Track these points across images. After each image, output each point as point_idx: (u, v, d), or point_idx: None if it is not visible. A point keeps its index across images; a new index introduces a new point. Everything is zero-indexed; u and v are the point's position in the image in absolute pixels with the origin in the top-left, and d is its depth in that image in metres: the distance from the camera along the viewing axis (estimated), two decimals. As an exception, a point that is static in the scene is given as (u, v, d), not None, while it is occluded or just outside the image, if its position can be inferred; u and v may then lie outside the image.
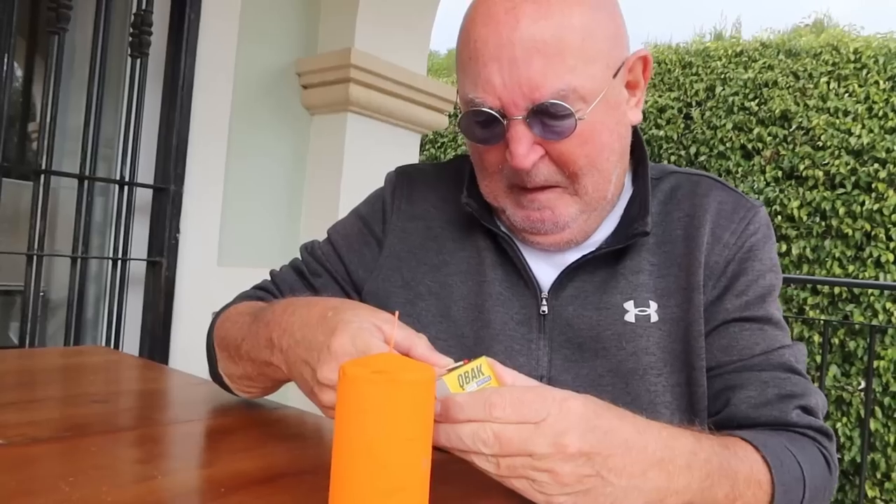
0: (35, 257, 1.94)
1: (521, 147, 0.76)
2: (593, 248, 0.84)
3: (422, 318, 0.89)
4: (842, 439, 4.01)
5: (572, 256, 0.85)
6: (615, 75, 0.78)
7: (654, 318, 0.82)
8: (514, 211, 0.83)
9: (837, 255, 4.26)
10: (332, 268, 0.97)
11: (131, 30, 2.12)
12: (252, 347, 0.76)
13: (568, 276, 0.84)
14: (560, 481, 0.55)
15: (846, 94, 4.54)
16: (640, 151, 0.90)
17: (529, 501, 0.58)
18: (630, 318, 0.82)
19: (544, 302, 0.84)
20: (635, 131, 0.89)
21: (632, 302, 0.82)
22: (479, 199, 0.89)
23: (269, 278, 1.02)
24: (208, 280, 2.26)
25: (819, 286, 4.25)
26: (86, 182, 2.06)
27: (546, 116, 0.75)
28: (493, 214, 0.90)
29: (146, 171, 2.21)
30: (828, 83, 4.61)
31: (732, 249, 0.83)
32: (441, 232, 0.93)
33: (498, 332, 0.84)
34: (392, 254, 0.94)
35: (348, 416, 0.45)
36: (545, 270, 0.86)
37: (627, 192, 0.90)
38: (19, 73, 2.66)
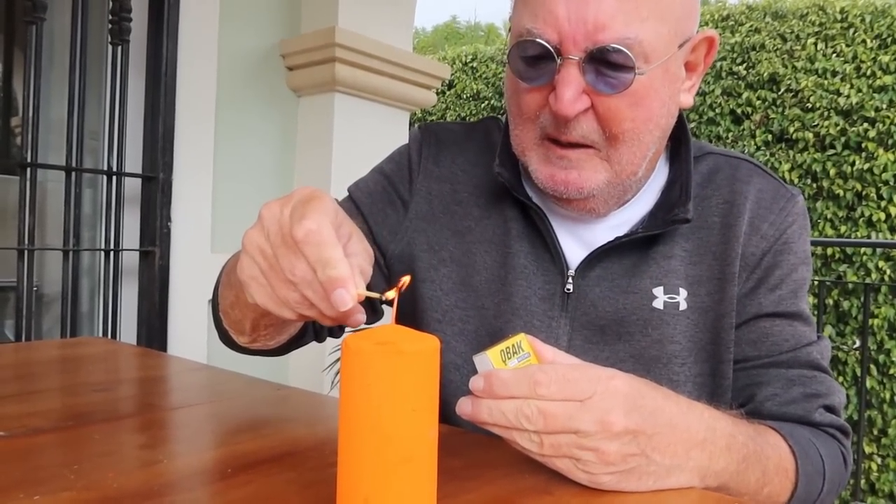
0: (26, 252, 1.93)
1: (569, 91, 0.70)
2: (627, 231, 0.82)
3: (443, 284, 0.86)
4: (839, 398, 4.04)
5: (605, 237, 0.82)
6: (680, 47, 0.74)
7: (683, 305, 0.80)
8: (540, 167, 0.78)
9: (829, 216, 4.27)
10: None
11: (110, 16, 2.09)
12: (232, 278, 0.76)
13: (598, 256, 0.81)
14: (605, 460, 0.55)
15: (834, 55, 4.51)
16: (682, 134, 0.85)
17: (535, 469, 0.58)
18: (658, 304, 0.80)
19: (570, 280, 0.81)
20: (679, 113, 0.84)
21: (661, 288, 0.80)
22: (512, 167, 0.85)
23: None
24: (202, 267, 2.25)
25: (812, 247, 4.26)
26: (73, 174, 2.04)
27: (603, 64, 0.70)
28: (525, 185, 0.86)
29: (134, 161, 2.19)
30: (815, 44, 4.58)
31: (769, 241, 0.81)
32: (467, 197, 0.89)
33: (518, 306, 0.82)
34: (417, 216, 0.90)
35: (353, 388, 0.44)
36: (574, 249, 0.83)
37: (662, 173, 0.86)
38: (-1, 66, 2.62)
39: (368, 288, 0.55)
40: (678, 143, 0.86)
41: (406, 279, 0.54)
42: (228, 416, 0.77)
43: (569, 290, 0.81)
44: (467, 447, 0.65)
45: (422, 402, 0.45)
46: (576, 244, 0.84)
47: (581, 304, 0.81)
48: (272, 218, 0.57)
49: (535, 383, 0.54)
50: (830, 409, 0.80)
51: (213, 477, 0.55)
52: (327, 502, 0.50)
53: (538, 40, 0.70)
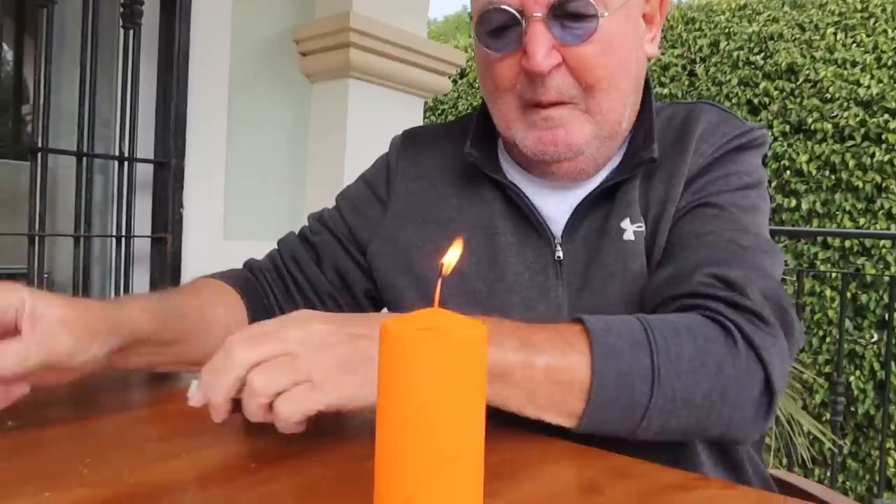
0: (37, 238, 1.90)
1: (540, 48, 0.72)
2: (600, 182, 0.82)
3: (429, 277, 0.86)
4: (855, 392, 4.00)
5: (580, 193, 0.83)
6: None
7: (646, 233, 0.80)
8: (526, 134, 0.79)
9: (848, 208, 4.20)
10: (334, 227, 0.97)
11: (122, 0, 2.05)
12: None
13: (578, 216, 0.82)
14: (312, 348, 0.54)
15: (854, 45, 4.43)
16: (646, 88, 0.87)
17: (581, 465, 0.54)
18: (629, 236, 0.79)
19: (559, 247, 0.82)
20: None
21: (627, 220, 0.80)
22: (484, 149, 0.87)
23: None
24: (215, 254, 2.21)
25: (830, 240, 4.20)
26: (84, 159, 2.00)
27: (567, 17, 0.73)
28: (503, 162, 0.88)
29: (145, 146, 2.15)
30: (835, 34, 4.50)
31: (707, 158, 0.80)
32: (446, 189, 0.91)
33: (513, 283, 0.82)
34: (396, 215, 0.92)
35: (394, 379, 0.40)
36: (555, 215, 0.84)
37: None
38: (9, 55, 2.60)
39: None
40: (643, 95, 0.87)
41: (456, 252, 0.48)
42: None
43: (559, 257, 0.82)
44: (503, 441, 0.61)
45: (470, 394, 0.40)
46: (557, 208, 0.84)
47: (574, 268, 0.81)
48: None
49: (227, 343, 0.54)
50: (723, 279, 0.68)
51: (235, 472, 0.52)
52: (363, 500, 0.46)
53: (502, 6, 0.73)
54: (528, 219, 0.84)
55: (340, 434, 0.62)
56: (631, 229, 0.79)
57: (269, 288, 0.95)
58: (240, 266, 1.00)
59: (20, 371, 0.56)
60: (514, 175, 0.87)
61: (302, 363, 0.53)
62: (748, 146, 0.82)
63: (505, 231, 0.84)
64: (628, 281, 0.78)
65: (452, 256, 0.46)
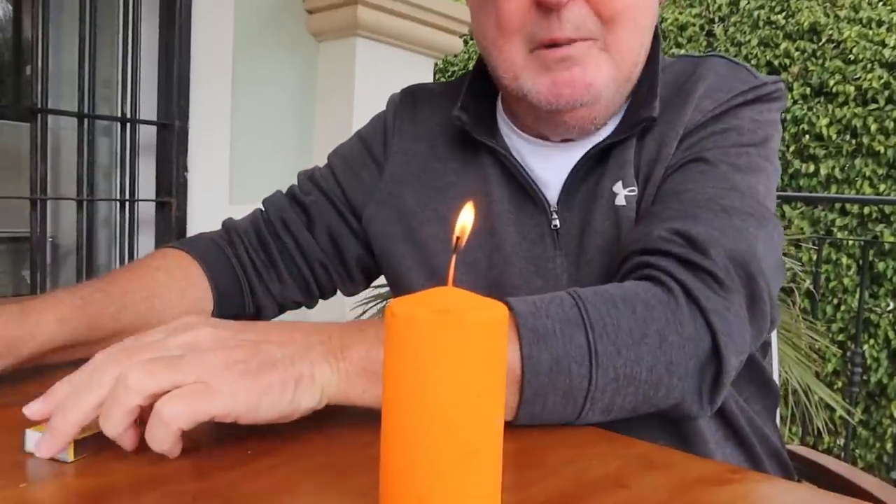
0: (39, 201, 1.86)
1: None
2: (598, 142, 0.77)
3: (429, 244, 0.82)
4: (868, 361, 3.95)
5: (577, 154, 0.77)
6: None
7: (638, 196, 0.75)
8: (538, 80, 0.72)
9: (868, 173, 4.10)
10: (326, 188, 0.90)
11: (121, -47, 1.97)
12: None
13: (575, 181, 0.77)
14: (211, 347, 0.47)
15: (880, 3, 4.29)
16: (654, 39, 0.80)
17: (603, 456, 0.50)
18: (620, 200, 0.74)
19: (555, 215, 0.77)
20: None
21: (620, 183, 0.75)
22: (475, 111, 0.81)
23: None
24: (220, 219, 2.16)
25: (848, 206, 4.11)
26: (86, 120, 1.96)
27: None
28: (499, 121, 0.84)
29: (148, 107, 2.10)
30: (860, -9, 4.34)
31: (707, 115, 0.74)
32: (446, 152, 0.86)
33: (510, 253, 0.77)
34: (393, 178, 0.87)
35: (404, 367, 0.35)
36: (553, 180, 0.78)
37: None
38: (9, 13, 2.53)
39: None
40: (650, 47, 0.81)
41: (467, 221, 0.42)
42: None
43: (556, 225, 0.77)
44: (520, 427, 0.57)
45: (489, 384, 0.36)
46: (552, 174, 0.79)
47: (572, 237, 0.77)
48: None
49: (97, 357, 0.47)
50: (682, 235, 0.62)
51: (231, 461, 0.47)
52: (369, 494, 0.42)
53: None
54: (522, 187, 0.79)
55: (341, 419, 0.58)
56: (623, 193, 0.74)
57: (246, 254, 0.88)
58: None
59: None
60: (512, 137, 0.82)
61: (189, 364, 0.44)
62: (756, 100, 0.75)
63: (501, 198, 0.79)
64: (621, 249, 0.72)
65: (464, 227, 0.40)
